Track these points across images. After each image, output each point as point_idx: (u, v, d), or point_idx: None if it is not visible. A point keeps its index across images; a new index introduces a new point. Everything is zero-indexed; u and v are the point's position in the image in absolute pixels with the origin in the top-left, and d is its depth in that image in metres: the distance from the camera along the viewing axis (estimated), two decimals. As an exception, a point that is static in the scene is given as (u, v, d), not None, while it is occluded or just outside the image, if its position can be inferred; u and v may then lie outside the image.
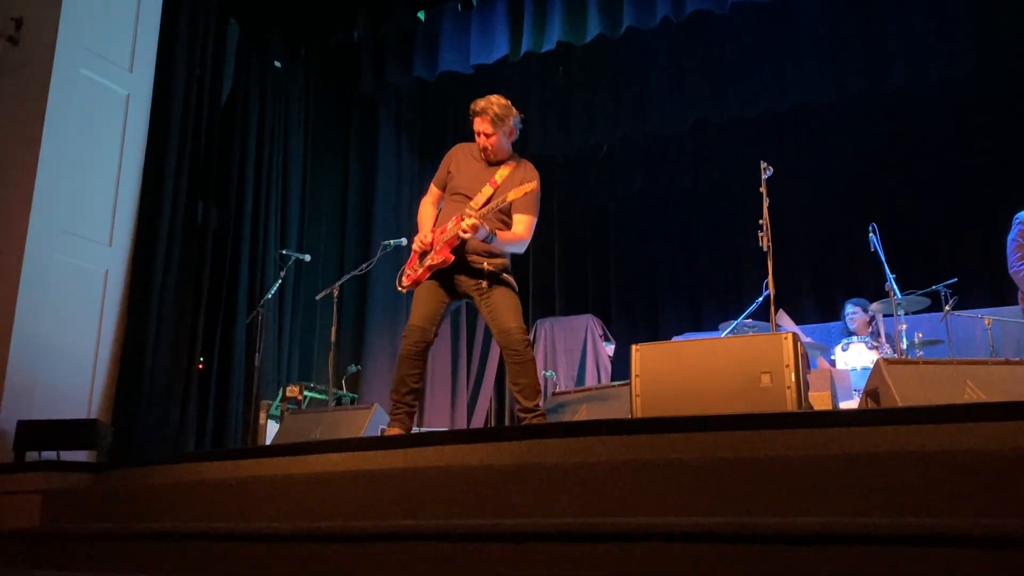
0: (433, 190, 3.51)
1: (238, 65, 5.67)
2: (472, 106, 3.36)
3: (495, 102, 3.34)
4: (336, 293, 5.20)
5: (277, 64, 6.00)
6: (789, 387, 2.78)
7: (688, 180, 7.36)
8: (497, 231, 3.23)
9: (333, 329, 5.06)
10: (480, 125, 3.35)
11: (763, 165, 3.98)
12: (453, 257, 3.23)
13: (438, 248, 3.25)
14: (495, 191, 3.28)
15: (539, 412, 3.20)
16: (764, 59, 6.21)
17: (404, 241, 5.08)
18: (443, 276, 3.29)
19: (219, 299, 5.26)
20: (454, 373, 7.01)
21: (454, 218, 3.27)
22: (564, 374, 6.76)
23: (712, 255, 7.27)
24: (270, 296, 5.37)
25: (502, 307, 3.21)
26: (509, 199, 3.19)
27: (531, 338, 6.91)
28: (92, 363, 4.43)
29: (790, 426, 2.07)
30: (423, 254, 3.32)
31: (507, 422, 7.00)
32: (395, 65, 6.23)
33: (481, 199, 3.28)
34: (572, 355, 6.79)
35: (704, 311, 7.17)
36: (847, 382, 4.75)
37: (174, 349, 4.78)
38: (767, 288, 3.71)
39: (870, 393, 2.97)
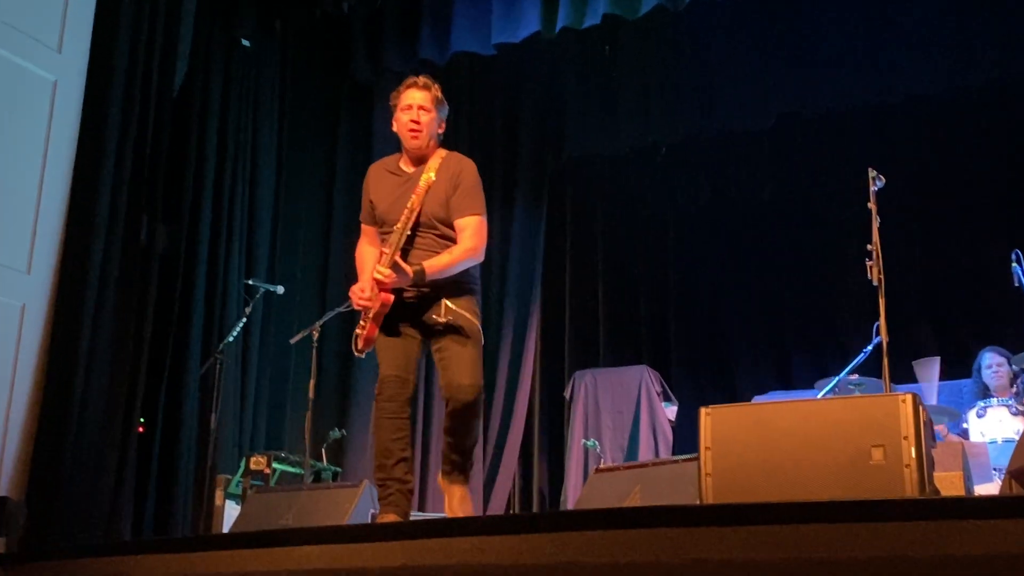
0: (365, 229, 3.64)
1: (196, 44, 5.77)
2: (410, 79, 3.53)
3: (435, 83, 3.54)
4: (316, 336, 5.23)
5: (245, 43, 6.13)
6: (908, 465, 2.73)
7: (770, 191, 7.41)
8: (426, 264, 3.31)
9: (312, 383, 5.11)
10: (417, 97, 3.47)
11: (872, 174, 3.97)
12: (392, 296, 3.34)
13: (375, 294, 3.35)
14: (422, 203, 3.39)
15: (466, 472, 3.39)
16: (868, 38, 6.23)
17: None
18: (403, 314, 3.40)
19: (166, 342, 5.32)
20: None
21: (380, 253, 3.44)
22: (611, 443, 6.78)
23: (804, 290, 7.28)
24: (232, 339, 5.43)
25: (457, 358, 3.31)
26: (431, 208, 3.33)
27: (570, 393, 7.10)
28: (2, 423, 4.46)
29: (910, 517, 2.03)
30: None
31: (536, 506, 6.99)
32: (396, 44, 6.35)
33: (403, 227, 3.38)
34: (621, 419, 6.82)
35: (795, 363, 7.18)
36: (984, 459, 4.68)
37: (108, 406, 4.82)
38: (878, 334, 3.69)
39: (1015, 474, 2.93)
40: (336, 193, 6.84)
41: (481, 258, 3.45)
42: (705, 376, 7.43)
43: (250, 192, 6.07)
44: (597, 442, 6.57)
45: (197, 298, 5.50)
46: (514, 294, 7.57)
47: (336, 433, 5.97)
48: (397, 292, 3.37)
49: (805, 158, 7.22)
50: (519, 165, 7.73)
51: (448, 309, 3.34)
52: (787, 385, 6.87)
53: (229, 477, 5.30)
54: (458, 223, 3.41)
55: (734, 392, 7.12)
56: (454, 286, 3.40)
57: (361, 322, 3.42)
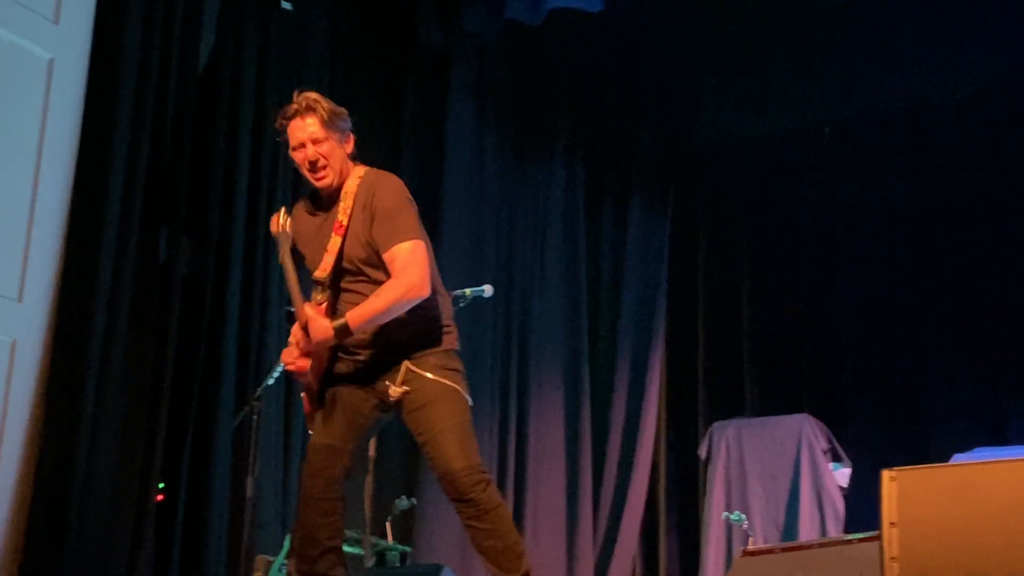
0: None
1: (225, 9, 5.83)
2: (284, 110, 3.58)
3: (318, 98, 3.57)
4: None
5: (286, 5, 6.17)
6: None
7: (976, 183, 7.25)
8: (349, 316, 3.38)
9: (373, 439, 5.07)
10: (304, 128, 3.52)
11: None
12: (307, 362, 3.44)
13: (298, 362, 3.48)
14: (343, 241, 3.48)
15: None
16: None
17: (488, 290, 5.10)
18: (351, 378, 3.51)
19: (191, 386, 5.33)
20: (571, 509, 7.02)
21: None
22: (762, 516, 6.73)
23: (1021, 312, 7.09)
24: (272, 382, 5.36)
25: (436, 441, 3.38)
26: (351, 250, 3.43)
27: (706, 452, 7.11)
28: None
29: None
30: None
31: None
32: (475, 3, 6.40)
33: (323, 273, 3.49)
34: (776, 485, 6.78)
35: (1010, 412, 7.06)
36: None
37: (119, 468, 4.80)
38: None
39: None
40: None
41: (424, 293, 3.44)
42: (888, 429, 7.32)
43: (293, 195, 5.90)
44: (743, 515, 6.41)
45: (229, 330, 5.47)
46: (630, 322, 7.57)
47: (404, 503, 5.92)
48: (344, 355, 3.48)
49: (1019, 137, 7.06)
50: (636, 154, 7.73)
51: (409, 374, 3.41)
52: (1000, 440, 6.80)
53: (270, 559, 5.24)
54: (387, 256, 3.45)
55: (927, 450, 7.02)
56: (417, 338, 3.46)
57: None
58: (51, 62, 4.83)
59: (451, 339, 3.55)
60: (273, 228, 3.59)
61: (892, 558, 2.88)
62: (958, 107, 7.00)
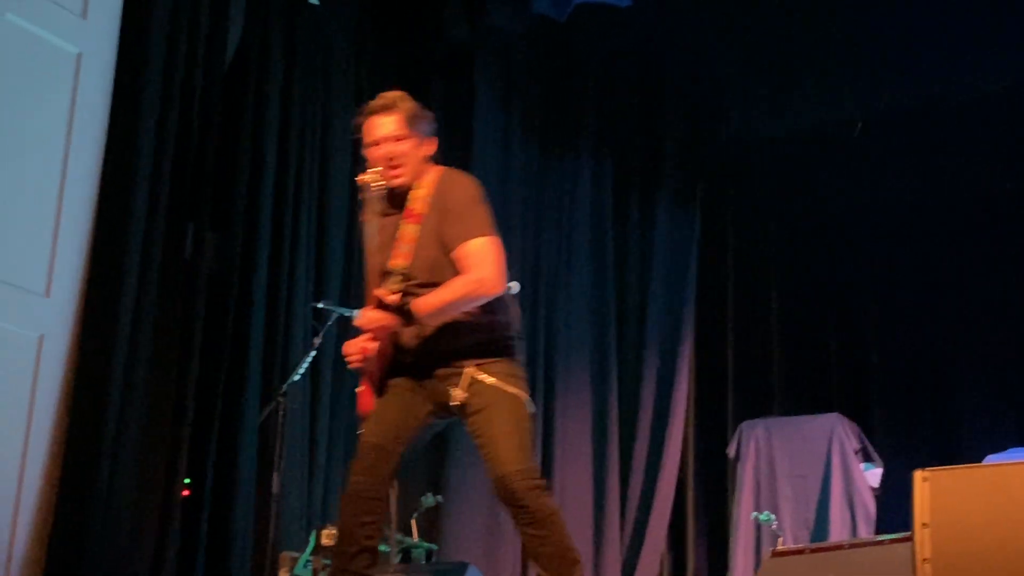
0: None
1: (251, 3, 5.86)
2: (364, 106, 3.59)
3: (404, 96, 3.56)
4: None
5: (313, 0, 6.20)
6: None
7: (1004, 180, 7.26)
8: (416, 302, 3.37)
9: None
10: (382, 127, 3.52)
11: None
12: (375, 346, 3.43)
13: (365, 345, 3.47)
14: (420, 229, 3.46)
15: None
16: None
17: (514, 287, 5.09)
18: (412, 377, 3.49)
19: (217, 382, 5.36)
20: (598, 509, 7.04)
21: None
22: (792, 517, 6.69)
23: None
24: (298, 378, 5.44)
25: (494, 443, 3.35)
26: (422, 250, 3.40)
27: (735, 451, 7.10)
28: (15, 485, 4.46)
29: None
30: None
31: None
32: (502, -4, 6.41)
33: (402, 261, 3.46)
34: (805, 485, 6.74)
35: None
36: None
37: (145, 465, 4.83)
38: None
39: None
40: None
41: (498, 290, 3.44)
42: (919, 429, 7.30)
43: (320, 191, 6.09)
44: (773, 515, 6.40)
45: (255, 326, 5.51)
46: (658, 320, 7.55)
47: (430, 500, 5.93)
48: (408, 354, 3.45)
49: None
50: (664, 150, 7.72)
51: (472, 380, 3.39)
52: (1035, 439, 6.69)
53: (295, 555, 5.26)
54: (460, 252, 3.42)
55: (959, 450, 6.98)
56: (482, 348, 3.43)
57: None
58: (79, 57, 4.88)
59: (516, 348, 3.53)
60: (368, 181, 3.52)
61: (924, 560, 2.87)
62: (991, 103, 6.93)
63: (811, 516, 6.64)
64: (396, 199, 3.55)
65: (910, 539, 2.95)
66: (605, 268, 7.46)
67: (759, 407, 7.53)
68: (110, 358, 4.75)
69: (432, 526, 6.25)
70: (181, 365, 5.09)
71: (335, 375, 6.03)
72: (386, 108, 3.52)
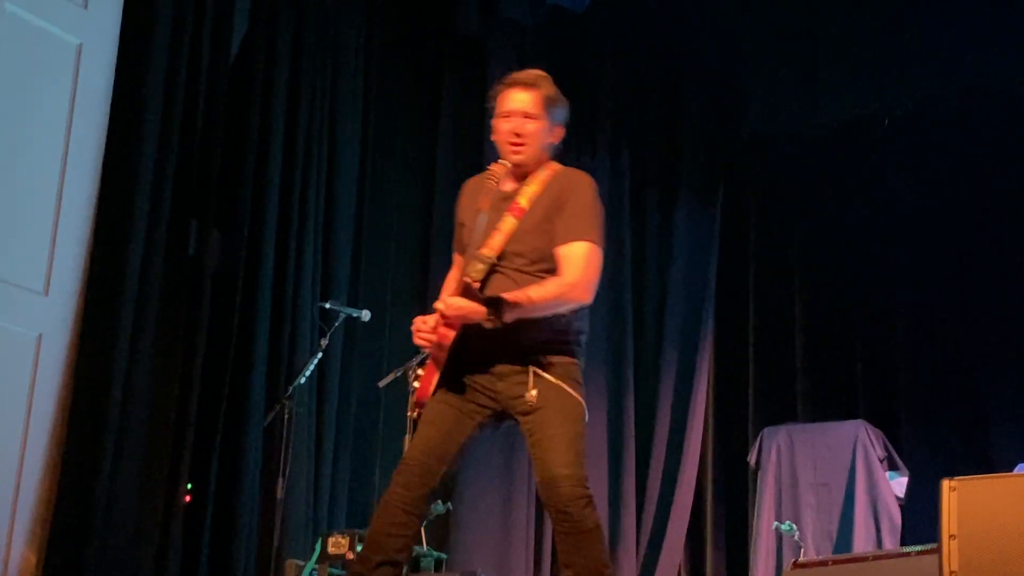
0: (456, 259, 3.77)
1: (258, -6, 5.90)
2: (511, 75, 3.63)
3: (546, 77, 3.60)
4: (413, 377, 5.17)
5: (321, -10, 6.22)
6: None
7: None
8: (508, 296, 3.35)
9: (407, 439, 4.93)
10: (521, 100, 3.55)
11: None
12: (452, 333, 3.39)
13: (439, 330, 3.42)
14: (518, 224, 3.47)
15: None
16: None
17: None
18: (469, 376, 3.47)
19: (221, 384, 5.36)
20: (614, 517, 7.02)
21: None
22: (814, 528, 6.64)
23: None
24: (303, 380, 5.45)
25: (550, 442, 3.36)
26: (527, 235, 3.40)
27: (755, 459, 7.10)
28: (12, 489, 4.47)
29: None
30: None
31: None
32: (515, -14, 6.41)
33: (490, 251, 3.47)
34: (829, 494, 6.70)
35: None
36: None
37: (146, 468, 4.85)
38: None
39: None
40: (438, 188, 6.85)
41: (588, 299, 3.47)
42: (947, 436, 7.16)
43: (327, 187, 6.10)
44: (794, 525, 6.39)
45: (260, 327, 5.52)
46: (676, 321, 7.55)
47: (440, 507, 5.81)
48: (473, 349, 3.40)
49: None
50: (683, 146, 7.71)
51: (540, 381, 3.39)
52: (1070, 447, 6.63)
53: (301, 564, 5.27)
54: (560, 251, 3.45)
55: (988, 458, 6.86)
56: (550, 346, 3.43)
57: (420, 370, 3.59)
58: (79, 48, 4.88)
59: (581, 353, 3.54)
60: (497, 173, 3.55)
61: (952, 572, 2.89)
62: (1022, 96, 6.89)
63: (834, 527, 6.60)
64: (511, 178, 3.59)
65: (937, 551, 2.98)
66: (622, 267, 7.44)
67: (781, 413, 7.49)
68: (110, 359, 4.76)
69: (442, 535, 6.25)
70: (184, 367, 5.10)
71: (342, 378, 6.05)
72: (527, 84, 3.56)
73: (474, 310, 3.32)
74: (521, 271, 3.45)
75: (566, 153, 7.54)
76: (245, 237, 5.57)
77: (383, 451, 6.22)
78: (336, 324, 5.65)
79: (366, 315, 5.74)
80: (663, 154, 7.68)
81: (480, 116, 6.87)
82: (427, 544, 5.77)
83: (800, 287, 7.84)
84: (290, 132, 5.88)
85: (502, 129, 3.55)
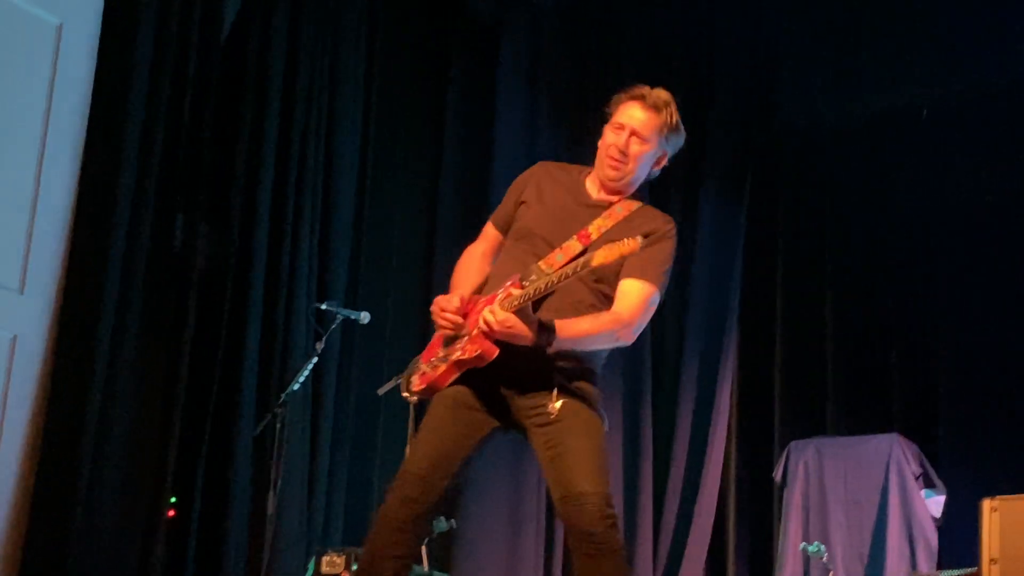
0: (488, 232, 3.82)
1: (252, -30, 5.88)
2: (639, 88, 3.62)
3: (672, 103, 3.62)
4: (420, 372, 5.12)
5: (320, -33, 6.21)
6: None
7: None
8: (559, 323, 3.35)
9: (408, 449, 4.98)
10: (637, 117, 3.57)
11: None
12: (497, 350, 3.36)
13: (474, 333, 3.40)
14: (587, 246, 3.48)
15: None
16: None
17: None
18: (482, 382, 3.46)
19: (208, 391, 5.34)
20: (629, 536, 6.91)
21: (511, 281, 3.46)
22: (845, 549, 6.63)
23: None
24: (297, 387, 5.39)
25: (572, 452, 3.37)
26: (601, 260, 3.31)
27: (781, 475, 7.06)
28: None
29: None
30: (452, 338, 3.52)
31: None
32: (532, -37, 6.46)
33: (564, 256, 3.48)
34: (860, 513, 6.68)
35: None
36: None
37: (128, 480, 4.84)
38: None
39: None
40: (444, 183, 6.82)
41: (630, 340, 3.53)
42: (989, 452, 7.05)
43: (325, 180, 6.03)
44: (823, 547, 6.33)
45: (251, 329, 5.45)
46: (698, 325, 7.52)
47: (442, 524, 5.75)
48: (506, 345, 3.36)
49: None
50: (709, 138, 7.63)
51: (563, 395, 3.41)
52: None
53: (292, 584, 5.46)
54: (624, 284, 3.48)
55: (1033, 471, 6.90)
56: (576, 373, 3.46)
57: (436, 357, 3.52)
58: (59, 28, 4.87)
59: (599, 373, 3.57)
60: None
61: None
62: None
63: (866, 548, 6.60)
64: (588, 186, 3.66)
65: (977, 574, 3.02)
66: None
67: (809, 426, 7.45)
68: (90, 362, 4.75)
69: (445, 553, 6.23)
70: (169, 370, 5.12)
71: (339, 384, 6.03)
72: (654, 105, 3.58)
73: (522, 334, 3.30)
74: (583, 287, 3.45)
75: (580, 144, 7.52)
76: (236, 232, 5.53)
77: (382, 463, 6.18)
78: (333, 326, 5.59)
79: (365, 317, 5.63)
80: (687, 147, 7.52)
81: (490, 104, 6.98)
82: (429, 564, 5.74)
83: (832, 290, 7.82)
84: (285, 119, 5.80)
85: (608, 139, 3.59)
